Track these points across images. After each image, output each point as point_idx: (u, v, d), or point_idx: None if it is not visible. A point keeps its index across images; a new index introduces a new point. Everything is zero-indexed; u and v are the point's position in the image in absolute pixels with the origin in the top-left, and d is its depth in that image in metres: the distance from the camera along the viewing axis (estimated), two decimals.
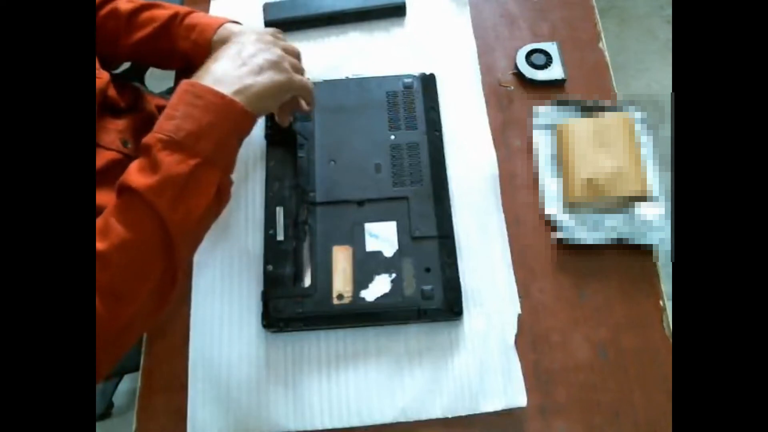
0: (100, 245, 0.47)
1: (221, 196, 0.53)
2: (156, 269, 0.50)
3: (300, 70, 0.61)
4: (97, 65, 0.69)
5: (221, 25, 0.69)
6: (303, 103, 0.66)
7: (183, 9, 0.72)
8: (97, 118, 0.68)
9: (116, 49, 0.73)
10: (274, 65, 0.56)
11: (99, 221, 0.49)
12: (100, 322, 0.45)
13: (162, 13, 0.71)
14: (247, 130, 0.55)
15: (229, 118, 0.52)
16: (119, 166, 0.70)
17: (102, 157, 0.68)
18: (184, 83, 0.53)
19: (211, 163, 0.51)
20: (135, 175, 0.49)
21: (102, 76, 0.69)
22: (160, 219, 0.48)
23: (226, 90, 0.52)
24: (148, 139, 0.50)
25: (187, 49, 0.70)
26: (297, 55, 0.63)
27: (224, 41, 0.64)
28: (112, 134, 0.70)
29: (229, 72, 0.54)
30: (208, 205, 0.51)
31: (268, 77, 0.55)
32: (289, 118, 0.69)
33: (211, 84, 0.52)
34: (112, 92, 0.71)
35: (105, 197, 0.67)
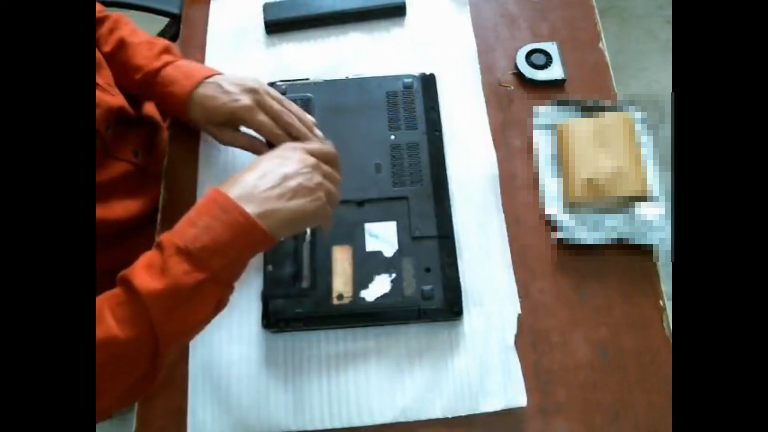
0: None
1: (218, 307, 0.52)
2: (137, 370, 0.50)
3: (334, 201, 0.57)
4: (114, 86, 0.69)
5: (197, 84, 0.66)
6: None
7: (166, 59, 0.69)
8: (113, 132, 0.69)
9: (127, 83, 0.72)
10: (309, 193, 0.53)
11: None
12: None
13: (145, 64, 0.69)
14: (262, 249, 0.53)
15: (247, 239, 0.50)
16: (130, 176, 0.71)
17: (115, 168, 0.68)
18: (214, 191, 0.51)
19: (217, 280, 0.49)
20: (141, 272, 0.48)
21: (116, 94, 0.69)
22: (152, 326, 0.48)
23: (253, 210, 0.50)
24: (164, 238, 0.49)
25: (168, 105, 0.69)
26: (337, 182, 0.58)
27: (205, 99, 0.65)
28: (125, 145, 0.70)
29: (260, 190, 0.52)
30: (202, 319, 0.51)
31: (297, 204, 0.52)
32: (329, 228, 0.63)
33: (238, 197, 0.51)
34: (129, 108, 0.71)
35: (117, 208, 0.68)
